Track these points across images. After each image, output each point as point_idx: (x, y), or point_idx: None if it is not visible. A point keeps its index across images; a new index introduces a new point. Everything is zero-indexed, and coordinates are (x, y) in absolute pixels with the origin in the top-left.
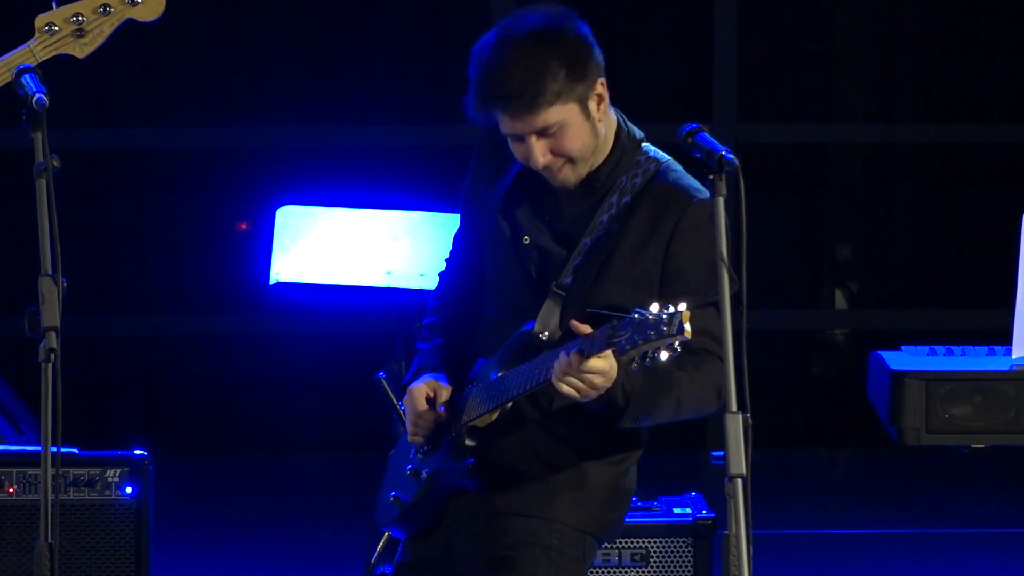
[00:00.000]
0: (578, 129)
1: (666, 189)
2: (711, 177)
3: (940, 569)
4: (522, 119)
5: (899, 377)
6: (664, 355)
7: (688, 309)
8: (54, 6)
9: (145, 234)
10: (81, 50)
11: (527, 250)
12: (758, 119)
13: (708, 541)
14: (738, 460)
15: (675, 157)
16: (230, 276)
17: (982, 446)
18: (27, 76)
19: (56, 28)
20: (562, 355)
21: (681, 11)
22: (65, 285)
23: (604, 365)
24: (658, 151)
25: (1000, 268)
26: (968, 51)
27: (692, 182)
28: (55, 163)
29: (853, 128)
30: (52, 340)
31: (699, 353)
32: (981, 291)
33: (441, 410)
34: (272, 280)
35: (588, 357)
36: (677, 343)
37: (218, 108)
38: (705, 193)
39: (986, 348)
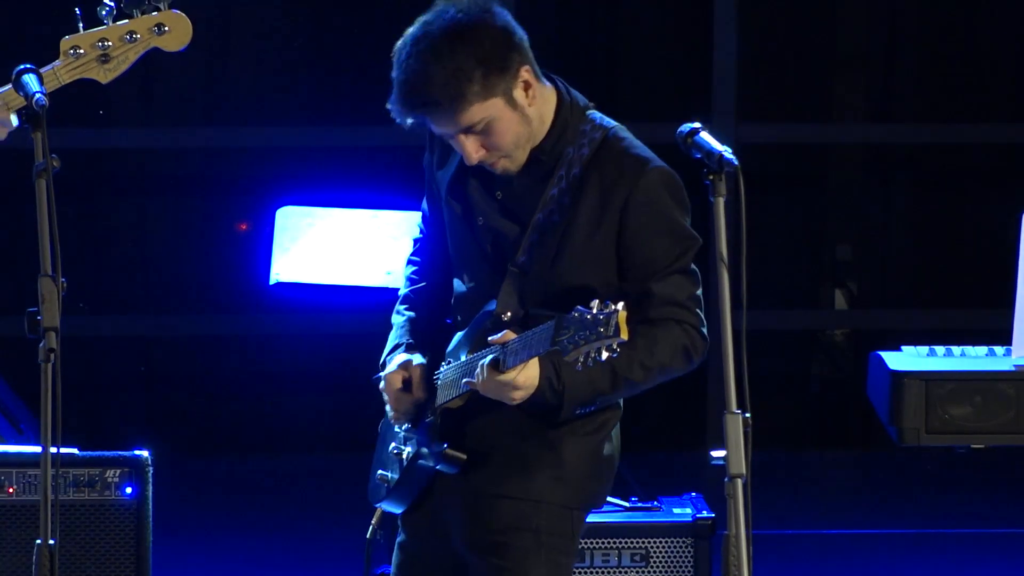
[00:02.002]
0: (506, 122)
1: (614, 159)
2: (711, 177)
3: (940, 569)
4: (445, 124)
5: (899, 377)
6: (604, 355)
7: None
8: (80, 29)
9: (145, 234)
10: (105, 75)
11: (481, 230)
12: (758, 119)
13: (708, 541)
14: (738, 460)
15: (675, 157)
16: (230, 276)
17: (982, 446)
18: (27, 76)
19: (81, 52)
20: (478, 367)
21: (681, 11)
22: (65, 285)
23: (520, 379)
24: (604, 117)
25: (1000, 268)
26: (967, 51)
27: (641, 151)
28: (55, 163)
29: (853, 128)
30: (52, 340)
31: (657, 323)
32: (981, 291)
33: (420, 389)
34: (272, 280)
35: (503, 371)
36: (615, 344)
37: (218, 108)
38: (656, 161)
39: (986, 348)
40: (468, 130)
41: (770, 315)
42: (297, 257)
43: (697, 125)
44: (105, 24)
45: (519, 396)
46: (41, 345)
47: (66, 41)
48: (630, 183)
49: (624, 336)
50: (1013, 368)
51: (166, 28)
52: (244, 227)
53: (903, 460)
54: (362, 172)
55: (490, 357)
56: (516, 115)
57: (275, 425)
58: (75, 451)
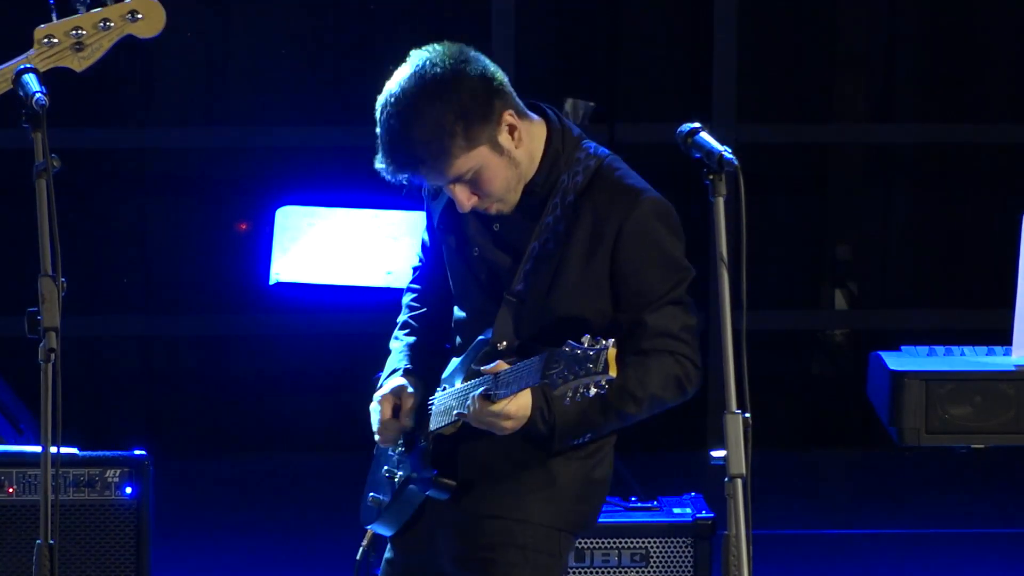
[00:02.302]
0: (494, 169)
1: (608, 189)
2: (711, 177)
3: (940, 569)
4: (435, 179)
5: (899, 377)
6: (592, 391)
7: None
8: (54, 18)
9: (145, 234)
10: (79, 64)
11: (477, 261)
12: (758, 119)
13: (708, 541)
14: (738, 460)
15: (675, 157)
16: (230, 276)
17: (982, 446)
18: (27, 76)
19: (55, 41)
20: (470, 397)
21: (681, 11)
22: (65, 285)
23: (510, 408)
24: (599, 147)
25: (1000, 268)
26: (967, 51)
27: (635, 181)
28: (55, 163)
29: (853, 128)
30: (52, 340)
31: (650, 353)
32: (981, 291)
33: (407, 417)
34: (272, 280)
35: (494, 401)
36: (604, 381)
37: (218, 108)
38: (649, 192)
39: (986, 348)
40: (458, 180)
41: (770, 315)
42: (297, 257)
43: (697, 125)
44: (78, 12)
45: (510, 426)
46: (41, 345)
47: (40, 30)
48: (623, 214)
49: (613, 373)
50: (1013, 368)
51: (139, 15)
52: (244, 227)
53: (903, 460)
54: (362, 172)
55: (481, 389)
56: (503, 160)
57: (275, 425)
58: (75, 451)
